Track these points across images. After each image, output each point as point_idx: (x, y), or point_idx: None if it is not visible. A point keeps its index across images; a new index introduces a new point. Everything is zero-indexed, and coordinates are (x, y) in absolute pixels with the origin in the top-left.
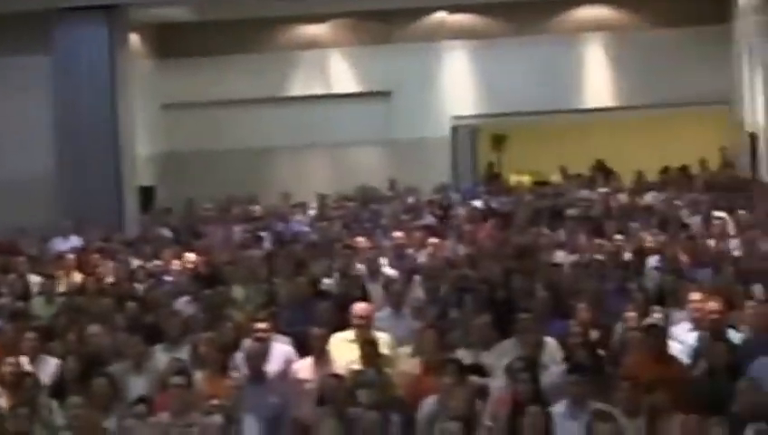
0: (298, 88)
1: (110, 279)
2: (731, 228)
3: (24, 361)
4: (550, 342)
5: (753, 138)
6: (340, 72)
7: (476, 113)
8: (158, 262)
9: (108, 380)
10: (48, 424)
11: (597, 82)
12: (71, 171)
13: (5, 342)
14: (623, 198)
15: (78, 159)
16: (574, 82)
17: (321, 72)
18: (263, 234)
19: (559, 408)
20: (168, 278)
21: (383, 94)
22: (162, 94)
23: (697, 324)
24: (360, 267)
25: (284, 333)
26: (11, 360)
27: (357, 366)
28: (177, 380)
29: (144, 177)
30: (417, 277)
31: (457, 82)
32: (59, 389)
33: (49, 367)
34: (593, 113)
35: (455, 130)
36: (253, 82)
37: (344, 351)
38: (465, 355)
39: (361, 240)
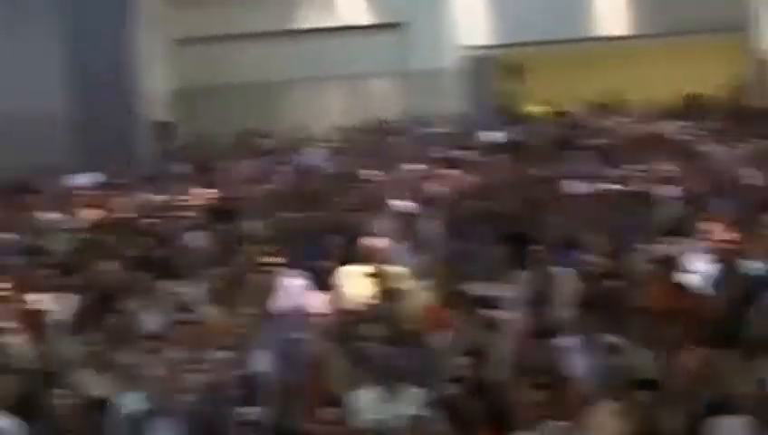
0: (309, 20)
1: (125, 214)
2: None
3: (41, 297)
4: (564, 274)
5: (764, 64)
6: (352, 4)
7: (490, 43)
8: (182, 197)
9: (122, 316)
10: (63, 360)
11: (610, 10)
12: (83, 107)
13: (22, 279)
14: (639, 127)
15: (90, 95)
16: (588, 10)
17: (332, 3)
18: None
19: (568, 341)
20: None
21: (395, 26)
22: (175, 30)
23: (714, 255)
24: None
25: (299, 267)
26: (27, 297)
27: (370, 300)
28: (188, 316)
29: (159, 112)
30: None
31: (470, 12)
32: (76, 325)
33: (66, 303)
34: (606, 42)
35: (468, 60)
36: (264, 15)
37: (357, 285)
38: (478, 288)
39: (376, 173)
